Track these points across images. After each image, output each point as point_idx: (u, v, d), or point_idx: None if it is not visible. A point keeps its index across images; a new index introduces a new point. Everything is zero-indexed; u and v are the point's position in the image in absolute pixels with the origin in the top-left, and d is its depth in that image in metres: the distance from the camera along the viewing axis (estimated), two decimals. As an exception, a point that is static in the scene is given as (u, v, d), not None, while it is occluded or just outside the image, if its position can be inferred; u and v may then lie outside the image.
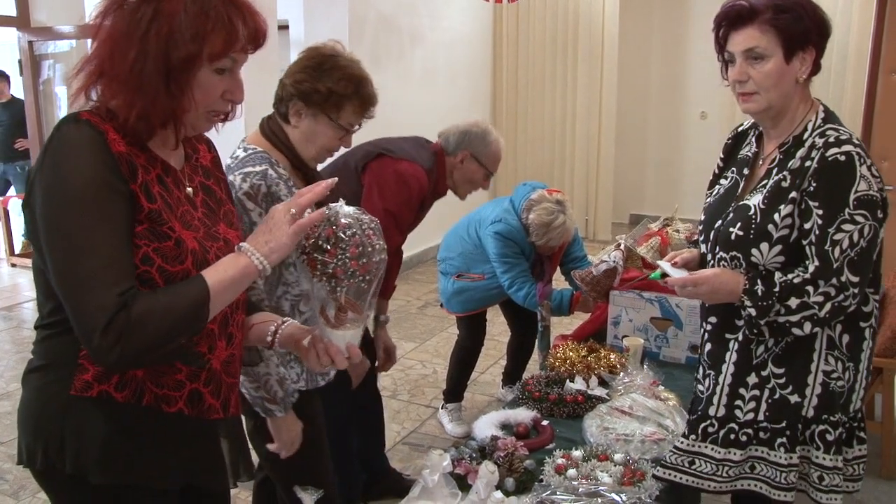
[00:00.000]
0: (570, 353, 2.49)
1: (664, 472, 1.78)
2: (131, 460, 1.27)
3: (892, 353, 2.96)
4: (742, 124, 1.87)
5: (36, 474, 1.31)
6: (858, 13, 6.14)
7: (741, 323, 1.69)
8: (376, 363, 2.85)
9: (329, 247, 1.27)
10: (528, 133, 7.76)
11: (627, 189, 8.19)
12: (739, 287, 1.62)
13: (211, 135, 1.44)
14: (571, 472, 1.75)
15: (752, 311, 1.59)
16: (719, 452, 1.73)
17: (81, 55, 1.24)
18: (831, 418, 1.67)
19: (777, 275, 1.60)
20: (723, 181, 1.82)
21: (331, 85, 1.78)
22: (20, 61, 6.31)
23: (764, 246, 1.62)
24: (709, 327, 1.78)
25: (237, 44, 1.22)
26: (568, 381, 2.30)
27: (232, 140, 1.91)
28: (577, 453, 1.85)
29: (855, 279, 1.56)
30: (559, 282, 3.46)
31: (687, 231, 3.15)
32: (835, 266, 1.54)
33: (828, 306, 1.56)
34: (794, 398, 1.67)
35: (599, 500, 1.59)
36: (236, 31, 1.21)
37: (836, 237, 1.54)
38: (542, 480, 1.75)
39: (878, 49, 4.07)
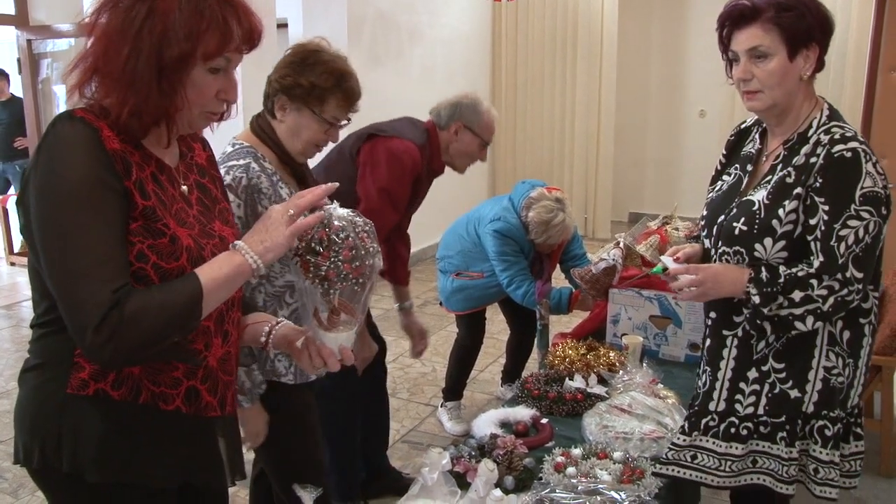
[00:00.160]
0: (570, 352, 2.49)
1: (665, 469, 1.78)
2: (128, 458, 1.27)
3: (892, 351, 2.96)
4: (745, 121, 1.88)
5: (33, 473, 1.31)
6: (858, 11, 6.14)
7: (740, 319, 1.70)
8: (411, 348, 2.87)
9: (322, 249, 1.27)
10: (528, 131, 7.76)
11: (626, 187, 8.19)
12: (744, 276, 1.62)
13: (207, 134, 1.44)
14: (571, 470, 1.76)
15: (757, 299, 1.59)
16: (720, 446, 1.74)
17: (74, 58, 1.24)
18: (830, 414, 1.69)
19: (781, 268, 1.61)
20: (725, 177, 1.83)
21: (313, 79, 1.80)
22: (19, 60, 6.30)
23: (768, 241, 1.62)
24: (709, 322, 1.79)
25: (231, 44, 1.22)
26: (567, 379, 2.30)
27: (229, 139, 1.91)
28: (576, 451, 1.85)
29: (859, 275, 1.57)
30: (558, 280, 3.46)
31: (686, 229, 3.14)
32: (840, 261, 1.55)
33: (831, 300, 1.57)
34: (794, 393, 1.68)
35: (599, 497, 1.59)
36: (231, 30, 1.21)
37: (842, 233, 1.55)
38: (541, 478, 1.75)
39: (877, 47, 4.07)
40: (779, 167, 1.66)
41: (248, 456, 2.18)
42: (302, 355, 1.37)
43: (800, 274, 1.58)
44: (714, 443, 1.74)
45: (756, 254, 1.64)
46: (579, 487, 1.63)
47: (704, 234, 1.80)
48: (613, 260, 2.71)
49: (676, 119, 8.03)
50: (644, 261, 2.82)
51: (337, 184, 1.31)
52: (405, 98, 5.86)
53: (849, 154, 1.56)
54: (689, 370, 2.38)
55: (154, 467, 1.30)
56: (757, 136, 1.79)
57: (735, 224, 1.67)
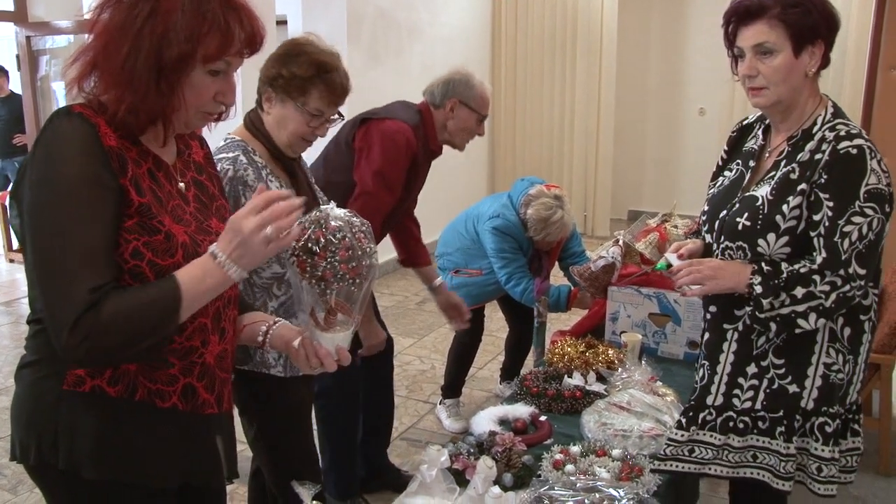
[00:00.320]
0: (569, 349, 2.49)
1: (663, 465, 1.79)
2: (125, 456, 1.27)
3: (890, 349, 2.96)
4: (747, 118, 1.88)
5: (29, 470, 1.30)
6: (858, 9, 6.14)
7: (741, 313, 1.70)
8: (451, 325, 2.89)
9: (318, 249, 1.26)
10: (527, 129, 7.75)
11: (626, 185, 8.18)
12: (746, 271, 1.62)
13: (205, 133, 1.44)
14: (569, 467, 1.75)
15: (759, 289, 1.59)
16: (718, 439, 1.74)
17: (74, 52, 1.23)
18: (830, 410, 1.69)
19: (783, 264, 1.61)
20: (727, 173, 1.83)
21: (294, 69, 1.81)
22: (18, 56, 6.29)
23: (771, 236, 1.62)
24: (708, 316, 1.79)
25: (232, 47, 1.21)
26: (566, 376, 2.30)
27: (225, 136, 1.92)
28: (574, 449, 1.85)
29: (862, 271, 1.57)
30: (557, 278, 3.46)
31: (685, 227, 3.14)
32: (843, 257, 1.56)
33: (833, 296, 1.57)
34: (792, 388, 1.68)
35: (597, 495, 1.59)
36: (232, 34, 1.21)
37: (846, 229, 1.55)
38: (539, 476, 1.75)
39: (877, 45, 4.06)
40: (783, 163, 1.66)
41: (247, 453, 2.19)
42: (299, 355, 1.37)
43: (802, 270, 1.58)
44: (712, 436, 1.75)
45: (759, 249, 1.64)
46: (578, 485, 1.63)
47: (706, 229, 1.80)
48: (612, 258, 2.71)
49: (676, 117, 8.02)
50: (643, 258, 2.82)
51: (303, 198, 1.25)
52: (405, 96, 5.81)
53: (854, 151, 1.56)
54: (688, 368, 2.38)
55: (152, 466, 1.30)
56: (760, 132, 1.79)
57: (738, 219, 1.67)
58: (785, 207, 1.61)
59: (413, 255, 2.89)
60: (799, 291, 1.58)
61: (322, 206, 1.33)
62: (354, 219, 1.31)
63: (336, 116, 1.93)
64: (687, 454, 1.77)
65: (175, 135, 1.32)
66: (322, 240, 1.27)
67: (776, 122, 1.73)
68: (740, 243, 1.67)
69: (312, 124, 1.87)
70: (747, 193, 1.70)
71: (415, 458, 3.17)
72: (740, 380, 1.72)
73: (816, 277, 1.57)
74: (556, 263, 3.46)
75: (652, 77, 8.04)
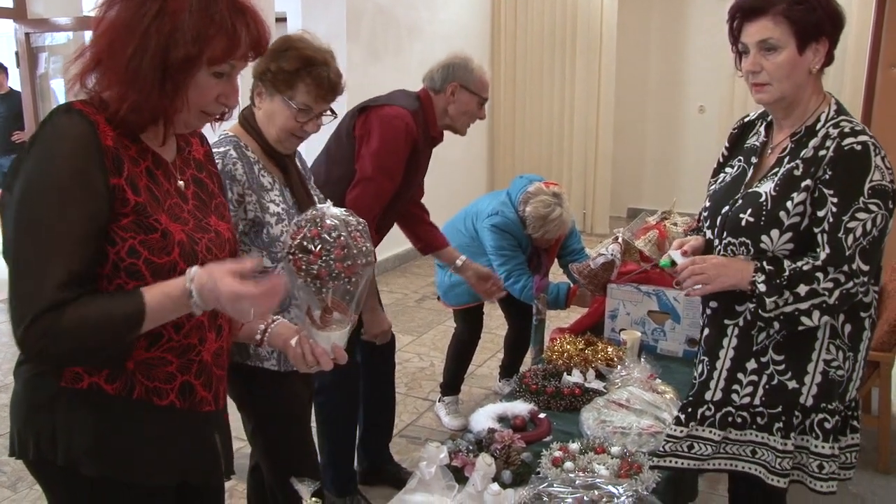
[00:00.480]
0: (568, 346, 2.49)
1: (661, 461, 1.79)
2: (123, 454, 1.27)
3: (890, 346, 2.96)
4: (748, 115, 1.88)
5: (28, 465, 1.31)
6: (858, 7, 6.13)
7: (741, 309, 1.70)
8: (486, 299, 2.87)
9: (314, 248, 1.26)
10: (526, 126, 7.75)
11: (625, 183, 8.18)
12: (749, 268, 1.62)
13: (206, 131, 1.44)
14: (568, 464, 1.75)
15: (763, 286, 1.59)
16: (718, 434, 1.75)
17: (79, 48, 1.23)
18: (829, 406, 1.69)
19: (786, 262, 1.61)
20: (728, 169, 1.83)
21: (281, 63, 1.82)
22: (17, 53, 6.28)
23: (774, 233, 1.62)
24: (709, 312, 1.79)
25: (238, 51, 1.22)
26: (565, 374, 2.30)
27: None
28: (574, 446, 1.85)
29: (865, 268, 1.57)
30: (557, 275, 3.46)
31: (685, 224, 3.14)
32: (847, 253, 1.56)
33: (837, 293, 1.57)
34: (791, 384, 1.68)
35: (596, 492, 1.59)
36: (238, 37, 1.21)
37: (850, 225, 1.55)
38: (538, 473, 1.75)
39: (877, 43, 4.06)
40: (786, 159, 1.66)
41: (245, 450, 2.19)
42: (296, 354, 1.37)
43: (805, 268, 1.58)
44: (711, 431, 1.75)
45: (762, 245, 1.64)
46: (577, 482, 1.63)
47: (707, 225, 1.80)
48: (612, 255, 2.71)
49: (675, 115, 8.02)
50: (642, 256, 2.82)
51: (260, 259, 1.26)
52: (404, 93, 5.85)
53: (859, 147, 1.56)
54: (687, 365, 2.37)
55: (150, 464, 1.30)
56: (762, 128, 1.79)
57: (742, 215, 1.67)
58: (789, 204, 1.61)
59: (428, 240, 2.88)
60: (802, 289, 1.58)
61: (318, 205, 1.33)
62: (350, 218, 1.32)
63: (328, 113, 1.92)
64: (686, 450, 1.77)
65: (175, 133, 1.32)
66: (317, 238, 1.26)
67: (779, 118, 1.73)
68: (743, 239, 1.67)
69: (300, 119, 1.86)
70: (750, 190, 1.70)
71: (414, 455, 3.17)
72: (739, 375, 1.72)
73: (819, 275, 1.57)
74: (556, 261, 3.46)
75: (651, 75, 8.04)
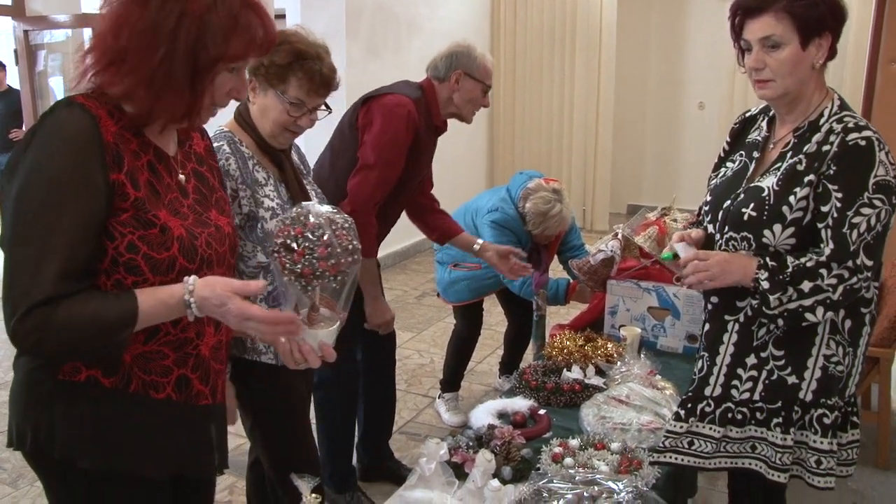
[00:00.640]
0: (568, 343, 2.49)
1: (661, 456, 1.79)
2: (121, 446, 1.28)
3: (889, 342, 2.96)
4: (750, 110, 1.88)
5: (26, 456, 1.31)
6: (858, 3, 6.12)
7: (742, 304, 1.70)
8: (511, 275, 2.85)
9: (296, 247, 1.26)
10: (526, 123, 7.75)
11: (625, 179, 8.18)
12: (753, 264, 1.61)
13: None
14: (568, 460, 1.76)
15: (766, 284, 1.59)
16: (718, 431, 1.75)
17: (77, 45, 1.24)
18: (829, 402, 1.69)
19: (789, 258, 1.60)
20: (729, 163, 1.82)
21: (274, 57, 1.81)
22: (16, 51, 6.27)
23: (777, 227, 1.62)
24: (709, 307, 1.79)
25: (254, 47, 1.24)
26: (565, 370, 2.30)
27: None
28: (573, 442, 1.85)
29: (869, 263, 1.57)
30: (556, 271, 3.46)
31: (685, 220, 3.13)
32: (851, 248, 1.56)
33: (841, 289, 1.57)
34: (791, 379, 1.68)
35: (596, 488, 1.59)
36: (255, 34, 1.24)
37: (855, 220, 1.55)
38: (538, 469, 1.75)
39: (877, 39, 4.05)
40: (788, 154, 1.65)
41: (245, 446, 2.19)
42: (284, 349, 1.38)
43: (808, 264, 1.58)
44: (711, 428, 1.75)
45: (764, 240, 1.64)
46: (577, 478, 1.63)
47: (708, 219, 1.80)
48: (612, 251, 2.71)
49: (675, 111, 8.01)
50: (642, 252, 2.81)
51: (265, 283, 1.30)
52: (404, 89, 5.84)
53: (863, 143, 1.56)
54: (687, 361, 2.38)
55: (146, 457, 1.30)
56: (764, 123, 1.79)
57: (744, 210, 1.66)
58: (792, 198, 1.61)
59: (443, 229, 2.88)
60: (806, 286, 1.57)
61: (304, 203, 1.33)
62: (337, 216, 1.31)
63: (323, 109, 1.92)
64: (686, 446, 1.77)
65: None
66: (301, 237, 1.27)
67: (781, 113, 1.73)
68: (745, 233, 1.67)
69: (293, 113, 1.85)
70: (752, 184, 1.70)
71: (414, 451, 3.17)
72: (739, 371, 1.72)
73: (823, 271, 1.57)
74: (556, 257, 3.46)
75: (651, 72, 8.03)
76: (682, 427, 1.78)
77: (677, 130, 8.05)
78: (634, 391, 2.10)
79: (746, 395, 1.72)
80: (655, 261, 2.67)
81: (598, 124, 7.53)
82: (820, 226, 1.59)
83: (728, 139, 1.89)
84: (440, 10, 6.58)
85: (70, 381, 1.24)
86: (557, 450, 1.81)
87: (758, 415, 1.72)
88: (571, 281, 3.13)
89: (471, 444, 1.86)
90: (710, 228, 1.79)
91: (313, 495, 1.39)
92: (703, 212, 1.83)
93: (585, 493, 1.57)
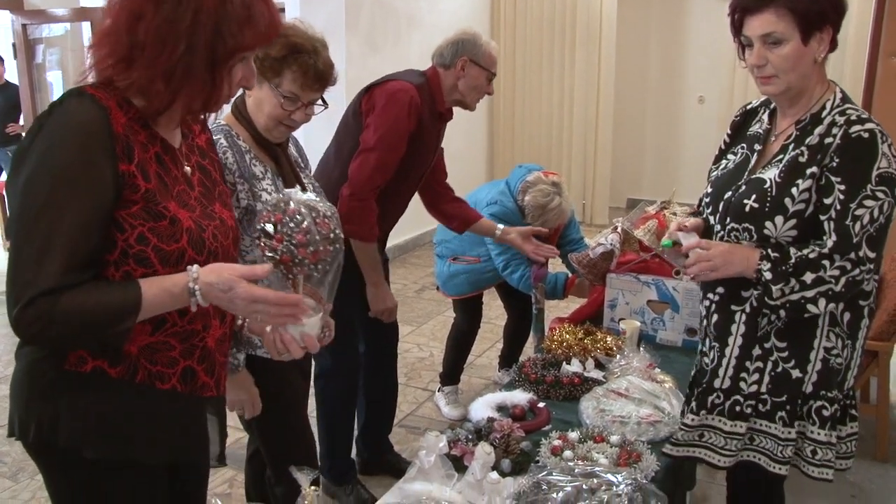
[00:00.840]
0: (567, 336, 2.49)
1: (677, 450, 1.80)
2: (125, 436, 1.28)
3: (888, 336, 2.96)
4: (751, 102, 1.88)
5: (28, 447, 1.32)
6: (858, -4, 6.11)
7: (747, 294, 1.70)
8: (533, 257, 2.87)
9: (275, 232, 1.27)
10: (526, 117, 7.73)
11: (625, 173, 8.17)
12: (755, 255, 1.62)
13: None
14: (567, 453, 1.76)
15: (769, 275, 1.59)
16: (727, 425, 1.75)
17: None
18: (828, 394, 1.70)
19: (791, 250, 1.60)
20: (731, 156, 1.82)
21: (270, 50, 1.80)
22: (14, 45, 6.26)
23: (779, 219, 1.62)
24: (716, 298, 1.78)
25: (263, 36, 1.26)
26: (564, 363, 2.31)
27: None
28: (573, 435, 1.85)
29: (871, 255, 1.57)
30: (555, 265, 3.46)
31: (684, 214, 3.14)
32: (854, 240, 1.56)
33: (843, 280, 1.57)
34: (795, 373, 1.69)
35: (595, 480, 1.59)
36: (265, 23, 1.25)
37: (858, 212, 1.55)
38: (538, 461, 1.75)
39: (878, 32, 4.05)
40: (791, 147, 1.65)
41: (244, 440, 2.19)
42: (268, 339, 1.38)
43: (811, 256, 1.58)
44: (721, 420, 1.76)
45: (766, 231, 1.64)
46: (576, 470, 1.63)
47: (709, 211, 1.79)
48: (611, 244, 2.71)
49: (675, 105, 8.00)
50: (642, 245, 2.82)
51: (270, 266, 1.30)
52: (403, 83, 5.83)
53: (866, 135, 1.56)
54: (687, 355, 2.38)
55: (149, 445, 1.31)
56: (765, 116, 1.78)
57: (746, 201, 1.66)
58: (794, 190, 1.60)
59: (462, 216, 2.87)
60: (808, 277, 1.57)
61: (286, 190, 1.33)
62: (319, 204, 1.31)
63: (319, 104, 1.91)
64: (698, 439, 1.78)
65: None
66: (280, 223, 1.27)
67: (784, 107, 1.72)
68: (747, 225, 1.67)
69: (287, 107, 1.84)
70: (754, 176, 1.70)
71: (413, 445, 3.18)
72: (747, 363, 1.73)
73: (826, 262, 1.57)
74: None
75: (651, 65, 8.01)
76: (695, 420, 1.78)
77: (677, 124, 8.04)
78: (634, 384, 2.10)
79: (754, 388, 1.72)
80: (655, 254, 2.67)
81: (597, 118, 7.52)
82: (823, 217, 1.59)
83: (729, 132, 1.88)
84: (440, 4, 6.57)
85: (76, 371, 1.24)
86: (557, 442, 1.81)
87: (761, 407, 1.73)
88: (570, 275, 3.13)
89: (470, 436, 1.86)
90: (711, 220, 1.79)
91: (312, 488, 1.39)
92: (703, 204, 1.83)
93: (584, 486, 1.57)
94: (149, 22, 1.17)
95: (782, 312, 1.64)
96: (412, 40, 6.19)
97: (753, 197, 1.65)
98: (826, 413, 1.69)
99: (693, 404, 1.81)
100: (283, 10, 5.73)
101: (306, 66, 1.83)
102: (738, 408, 1.74)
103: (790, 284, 1.58)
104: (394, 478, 2.61)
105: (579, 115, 7.51)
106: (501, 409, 2.07)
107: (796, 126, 1.67)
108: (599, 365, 2.32)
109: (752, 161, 1.74)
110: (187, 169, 1.33)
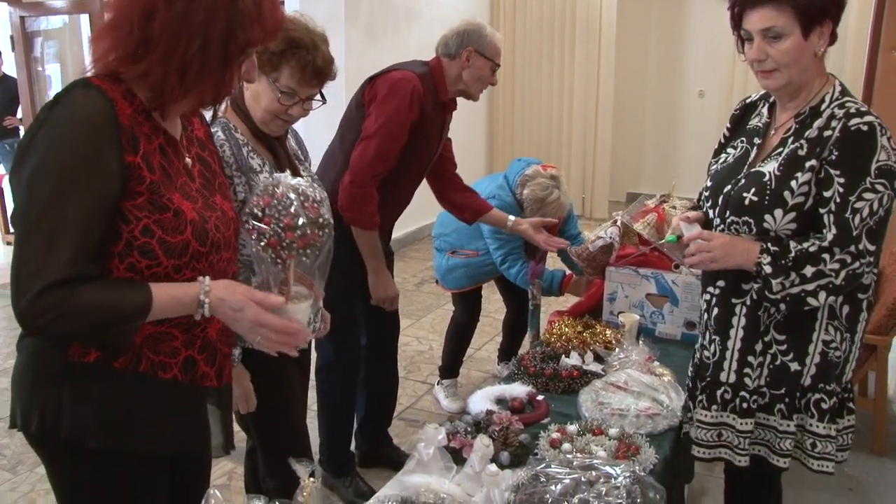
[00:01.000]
0: (566, 329, 2.49)
1: (705, 452, 1.80)
2: (128, 426, 1.29)
3: (887, 330, 2.97)
4: (750, 96, 1.87)
5: (30, 438, 1.32)
6: (858, -10, 6.09)
7: (747, 287, 1.70)
8: (546, 246, 2.87)
9: (262, 215, 1.27)
10: (526, 112, 7.72)
11: (624, 167, 8.16)
12: (755, 248, 1.62)
13: None
14: (566, 445, 1.76)
15: (769, 269, 1.59)
16: (738, 423, 1.75)
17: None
18: (827, 387, 1.70)
19: (791, 243, 1.60)
20: (730, 149, 1.82)
21: (268, 45, 1.77)
22: (12, 37, 6.23)
23: (778, 212, 1.62)
24: (717, 292, 1.78)
25: (269, 31, 1.27)
26: (563, 356, 2.31)
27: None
28: (571, 427, 1.86)
29: (871, 247, 1.57)
30: (554, 261, 3.46)
31: (683, 207, 3.13)
32: (854, 233, 1.56)
33: (843, 273, 1.57)
34: (794, 366, 1.69)
35: (594, 472, 1.60)
36: (270, 19, 1.27)
37: (857, 205, 1.55)
38: (536, 454, 1.76)
39: (878, 26, 4.04)
40: (790, 140, 1.65)
41: (243, 433, 2.19)
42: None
43: (811, 249, 1.58)
44: (733, 418, 1.76)
45: (765, 224, 1.64)
46: (574, 463, 1.63)
47: (709, 204, 1.79)
48: (610, 238, 2.71)
49: (675, 99, 7.99)
50: (641, 239, 2.81)
51: (283, 300, 1.32)
52: (402, 77, 5.81)
53: (865, 128, 1.56)
54: (686, 348, 2.38)
55: (153, 435, 1.32)
56: (764, 109, 1.78)
57: (745, 194, 1.66)
58: (793, 183, 1.60)
59: (473, 206, 2.87)
60: (808, 270, 1.57)
61: (276, 174, 1.33)
62: (310, 189, 1.31)
63: (318, 99, 1.89)
64: (717, 438, 1.79)
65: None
66: (268, 207, 1.27)
67: (783, 100, 1.72)
68: (746, 218, 1.67)
69: (284, 102, 1.83)
70: (753, 169, 1.70)
71: (412, 437, 3.15)
72: (750, 358, 1.73)
73: (826, 256, 1.57)
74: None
75: (651, 60, 8.00)
76: (710, 417, 1.78)
77: (677, 119, 8.03)
78: (632, 377, 2.10)
79: (758, 383, 1.73)
80: (654, 248, 2.67)
81: (597, 112, 7.51)
82: (822, 211, 1.59)
83: (728, 125, 1.88)
84: (439, -3, 6.55)
85: (79, 361, 1.24)
86: (555, 435, 1.82)
87: (760, 399, 1.73)
88: (567, 273, 3.12)
89: (469, 429, 1.86)
90: (711, 213, 1.79)
91: (311, 479, 1.39)
92: (703, 197, 1.83)
93: (583, 478, 1.57)
94: (162, 17, 1.18)
95: (782, 306, 1.64)
96: (411, 33, 6.17)
97: (753, 190, 1.65)
98: (825, 406, 1.70)
99: (703, 399, 1.81)
100: (282, 2, 5.72)
101: (304, 61, 1.81)
102: (745, 404, 1.74)
103: (790, 278, 1.58)
104: (392, 470, 2.62)
105: (579, 110, 7.50)
106: (500, 401, 2.07)
107: (796, 119, 1.67)
108: (598, 358, 2.32)
109: (752, 154, 1.74)
110: (188, 160, 1.33)
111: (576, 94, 7.48)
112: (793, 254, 1.58)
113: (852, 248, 1.56)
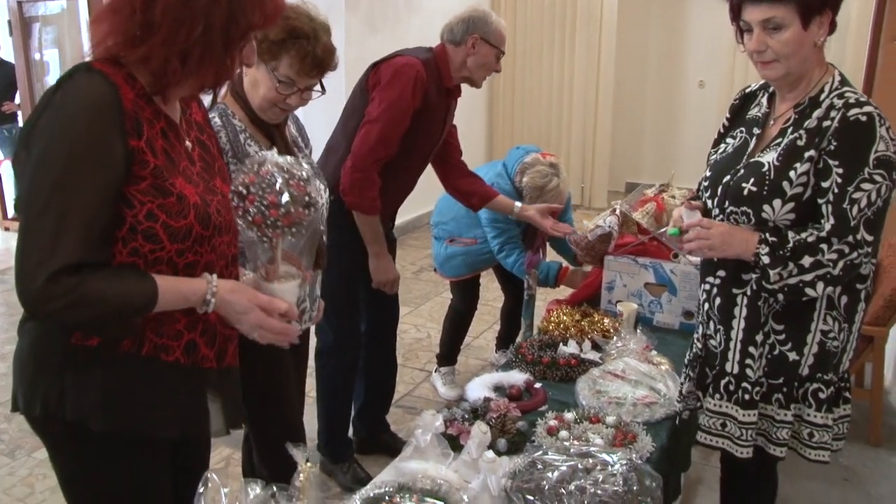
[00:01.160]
0: (564, 317, 2.49)
1: (709, 440, 1.80)
2: (132, 408, 1.29)
3: (884, 321, 2.97)
4: (750, 85, 1.87)
5: (32, 421, 1.32)
6: (860, -20, 6.07)
7: (747, 277, 1.70)
8: (552, 232, 2.88)
9: (246, 193, 1.27)
10: (526, 100, 7.70)
11: (624, 157, 8.15)
12: (754, 238, 1.62)
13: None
14: (563, 433, 1.77)
15: (767, 259, 1.59)
16: (741, 414, 1.75)
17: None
18: (824, 377, 1.70)
19: (790, 233, 1.60)
20: (729, 139, 1.82)
21: (269, 33, 1.78)
22: (9, 22, 6.20)
23: (777, 202, 1.62)
24: (717, 281, 1.78)
25: (272, 19, 1.28)
26: (561, 344, 2.31)
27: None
28: (569, 415, 1.86)
29: (869, 238, 1.57)
30: (551, 254, 3.45)
31: (683, 198, 3.13)
32: (851, 224, 1.56)
33: (841, 264, 1.57)
34: (792, 355, 1.69)
35: (590, 460, 1.60)
36: (272, 5, 1.27)
37: (855, 196, 1.55)
38: (534, 441, 1.76)
39: (880, 16, 4.02)
40: (789, 130, 1.65)
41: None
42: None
43: (809, 239, 1.58)
44: (735, 409, 1.76)
45: (764, 215, 1.64)
46: (571, 450, 1.64)
47: (708, 194, 1.79)
48: (609, 227, 2.71)
49: (675, 89, 7.96)
50: (640, 228, 2.81)
51: (291, 306, 1.34)
52: (402, 64, 5.78)
53: (864, 118, 1.55)
54: (683, 337, 2.39)
55: (156, 417, 1.32)
56: (764, 99, 1.78)
57: (744, 184, 1.66)
58: (792, 174, 1.60)
59: (480, 193, 2.87)
60: (806, 261, 1.57)
61: (262, 152, 1.33)
62: (296, 168, 1.31)
63: (317, 90, 1.88)
64: (720, 428, 1.79)
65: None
66: (252, 185, 1.27)
67: (783, 91, 1.72)
68: (745, 208, 1.66)
69: (283, 91, 1.82)
70: (752, 159, 1.69)
71: (410, 425, 3.19)
72: (751, 349, 1.73)
73: (824, 246, 1.57)
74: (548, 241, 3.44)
75: (651, 49, 7.97)
76: (716, 406, 1.79)
77: (677, 108, 8.01)
78: (630, 366, 2.11)
79: (759, 374, 1.73)
80: (653, 237, 2.67)
81: (597, 102, 7.49)
82: (820, 201, 1.59)
83: (728, 115, 1.88)
84: (439, -15, 6.51)
85: (83, 345, 1.25)
86: (553, 423, 1.82)
87: (760, 389, 1.74)
88: (563, 265, 3.13)
89: (466, 416, 1.86)
90: (709, 203, 1.78)
91: (308, 464, 1.39)
92: (702, 187, 1.83)
93: (580, 466, 1.58)
94: (165, 1, 1.17)
95: (780, 296, 1.64)
96: (411, 23, 6.14)
97: (752, 180, 1.65)
98: (822, 395, 1.70)
99: (710, 387, 1.81)
100: (282, -11, 5.68)
101: (304, 51, 1.80)
102: (747, 396, 1.75)
103: (788, 268, 1.58)
104: (390, 457, 2.63)
105: (579, 99, 7.48)
106: (498, 389, 2.08)
107: (795, 110, 1.67)
108: (596, 346, 2.32)
109: (751, 145, 1.73)
110: (188, 144, 1.33)
111: (576, 82, 7.45)
112: (791, 244, 1.58)
113: (850, 239, 1.56)
